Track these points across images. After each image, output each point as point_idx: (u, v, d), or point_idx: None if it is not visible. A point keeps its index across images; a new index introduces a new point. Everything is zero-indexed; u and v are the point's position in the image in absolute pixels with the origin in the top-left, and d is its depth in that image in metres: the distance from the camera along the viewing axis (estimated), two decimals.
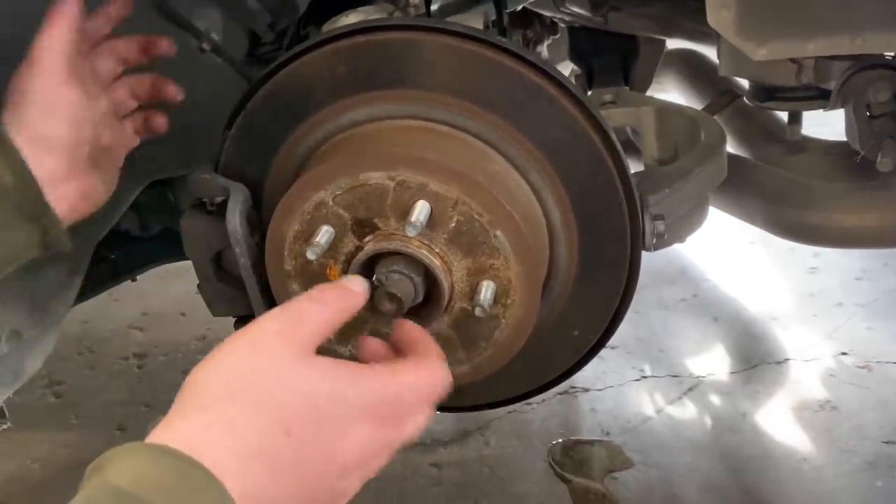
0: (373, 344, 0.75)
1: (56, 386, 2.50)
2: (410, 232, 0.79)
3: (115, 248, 1.40)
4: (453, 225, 0.81)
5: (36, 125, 0.80)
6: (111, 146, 0.92)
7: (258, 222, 0.93)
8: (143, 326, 2.80)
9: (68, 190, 0.83)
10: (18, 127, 0.79)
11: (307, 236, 0.84)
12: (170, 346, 2.65)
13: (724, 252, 2.89)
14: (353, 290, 0.72)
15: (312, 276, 0.88)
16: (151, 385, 2.48)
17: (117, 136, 0.93)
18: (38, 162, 0.79)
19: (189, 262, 1.02)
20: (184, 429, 0.55)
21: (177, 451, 0.52)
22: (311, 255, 0.81)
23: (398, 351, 0.74)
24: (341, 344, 0.92)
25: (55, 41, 0.82)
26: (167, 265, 1.47)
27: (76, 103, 0.83)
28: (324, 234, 0.82)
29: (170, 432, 0.55)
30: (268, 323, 0.63)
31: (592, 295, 0.95)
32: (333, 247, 0.84)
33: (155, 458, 0.52)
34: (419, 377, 0.67)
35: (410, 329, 0.76)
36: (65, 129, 0.82)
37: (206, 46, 1.16)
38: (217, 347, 0.61)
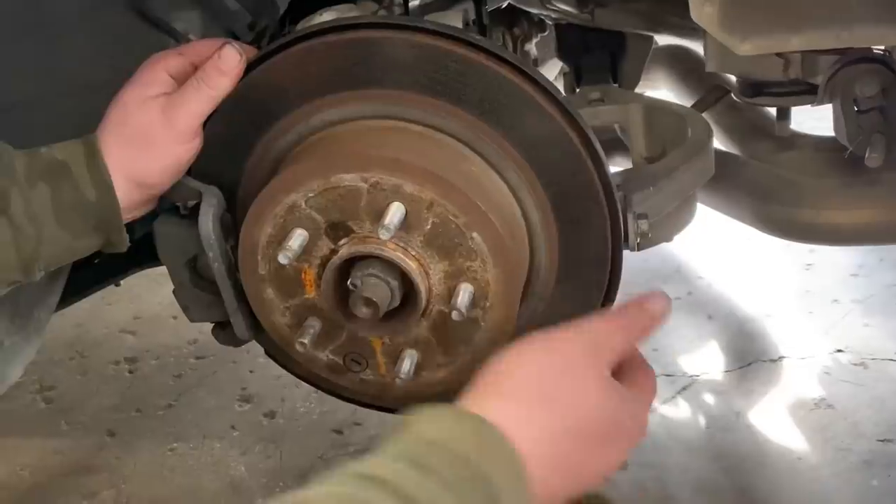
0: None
1: (46, 391, 2.48)
2: (384, 235, 0.77)
3: (99, 253, 1.38)
4: (429, 227, 0.80)
5: (142, 170, 0.85)
6: None
7: (233, 226, 0.91)
8: (135, 330, 2.78)
9: (131, 214, 0.89)
10: (121, 157, 0.84)
11: (280, 240, 0.82)
12: (161, 349, 2.63)
13: (719, 250, 2.87)
14: (655, 313, 0.77)
15: (287, 280, 0.86)
16: (143, 390, 2.46)
17: None
18: (125, 193, 0.84)
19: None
20: (486, 406, 0.63)
21: (477, 416, 0.61)
22: (282, 259, 0.80)
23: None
24: (318, 349, 0.91)
25: (198, 94, 0.86)
26: (158, 269, 1.46)
27: (186, 163, 0.88)
28: (297, 238, 0.81)
29: (472, 405, 0.64)
30: (574, 345, 0.71)
31: (574, 296, 0.93)
32: (307, 250, 0.83)
33: (458, 419, 0.62)
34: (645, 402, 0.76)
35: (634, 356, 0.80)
36: (167, 181, 0.87)
37: None
38: (519, 347, 0.70)
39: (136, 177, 0.85)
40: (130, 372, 2.56)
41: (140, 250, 1.41)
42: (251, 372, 2.44)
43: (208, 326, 1.03)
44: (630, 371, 0.75)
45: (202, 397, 2.37)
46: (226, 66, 0.85)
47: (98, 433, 2.28)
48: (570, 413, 0.66)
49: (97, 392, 2.47)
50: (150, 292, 2.79)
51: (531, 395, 0.66)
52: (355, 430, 2.17)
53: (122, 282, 1.48)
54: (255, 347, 2.65)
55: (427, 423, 0.61)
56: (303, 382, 1.05)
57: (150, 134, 0.84)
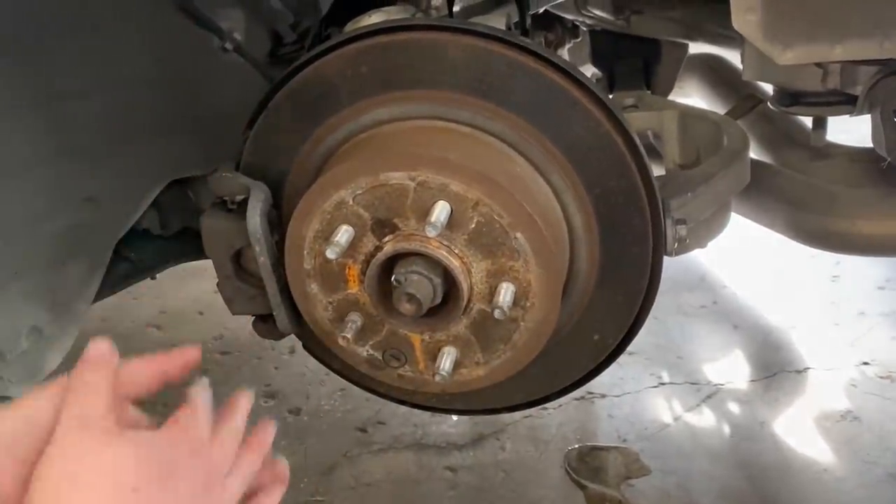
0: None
1: None
2: (430, 232, 0.78)
3: (136, 247, 1.40)
4: (473, 226, 0.81)
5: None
6: None
7: (278, 221, 0.93)
8: (161, 325, 2.81)
9: None
10: None
11: (327, 235, 0.83)
12: (187, 344, 2.65)
13: (745, 259, 2.86)
14: (103, 361, 0.68)
15: (331, 275, 0.88)
16: (168, 384, 2.48)
17: None
18: None
19: (207, 261, 1.02)
20: None
21: None
22: (330, 255, 0.81)
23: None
24: (359, 344, 0.92)
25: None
26: (185, 264, 1.48)
27: None
28: (343, 234, 0.82)
29: None
30: (71, 434, 0.62)
31: (613, 299, 0.94)
32: (353, 246, 0.84)
33: None
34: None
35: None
36: None
37: (228, 46, 1.16)
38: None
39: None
40: None
41: (175, 245, 1.44)
42: (276, 368, 2.46)
43: (233, 322, 1.04)
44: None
45: (227, 393, 2.37)
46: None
47: None
48: None
49: None
50: (176, 288, 2.82)
51: None
52: (379, 429, 2.18)
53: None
54: (279, 344, 2.67)
55: None
56: (327, 380, 1.06)
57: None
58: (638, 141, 0.85)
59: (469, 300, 0.85)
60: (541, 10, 1.59)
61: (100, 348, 0.69)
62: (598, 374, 1.01)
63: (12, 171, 1.04)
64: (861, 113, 1.22)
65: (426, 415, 2.19)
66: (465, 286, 0.83)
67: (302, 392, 2.33)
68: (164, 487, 0.61)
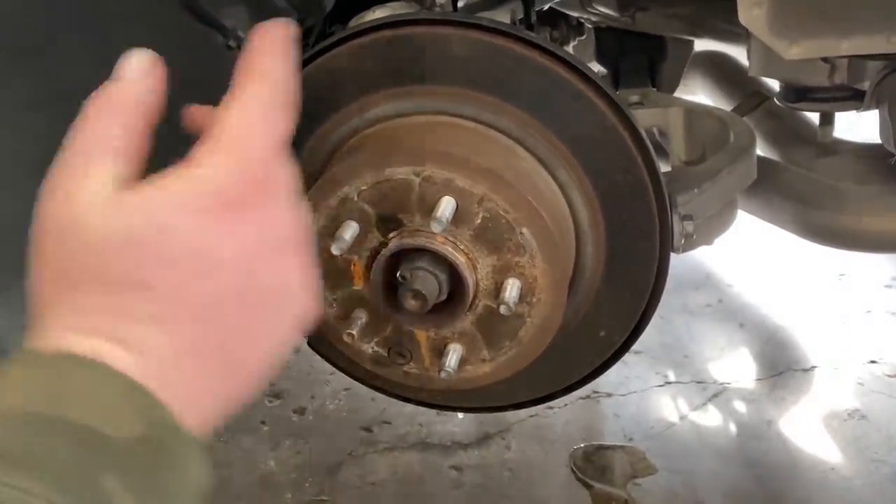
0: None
1: None
2: (435, 228, 0.78)
3: None
4: (479, 221, 0.80)
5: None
6: None
7: None
8: None
9: None
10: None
11: (331, 231, 0.83)
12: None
13: (751, 257, 2.85)
14: (139, 76, 0.55)
15: (336, 272, 0.87)
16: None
17: None
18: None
19: None
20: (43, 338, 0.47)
21: (36, 353, 0.45)
22: (335, 250, 0.81)
23: None
24: (364, 341, 0.91)
25: None
26: None
27: None
28: (348, 230, 0.82)
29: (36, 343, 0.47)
30: (57, 189, 0.51)
31: (619, 295, 0.93)
32: (358, 242, 0.84)
33: (22, 370, 0.45)
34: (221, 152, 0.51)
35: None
36: None
37: (232, 44, 1.16)
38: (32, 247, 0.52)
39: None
40: None
41: None
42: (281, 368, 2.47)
43: None
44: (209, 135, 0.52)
45: None
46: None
47: None
48: (186, 287, 0.47)
49: None
50: None
51: (124, 283, 0.46)
52: (384, 428, 2.18)
53: None
54: None
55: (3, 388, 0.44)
56: (332, 379, 1.06)
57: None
58: (645, 136, 0.85)
59: (475, 296, 0.84)
60: (546, 7, 1.58)
61: (140, 60, 0.55)
62: (605, 372, 1.00)
63: (15, 172, 1.04)
64: (868, 108, 1.22)
65: (431, 414, 2.19)
66: (470, 282, 0.83)
67: (307, 392, 2.33)
68: (190, 275, 0.47)
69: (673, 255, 0.94)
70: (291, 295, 0.52)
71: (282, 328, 0.52)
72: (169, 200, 0.48)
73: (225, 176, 0.50)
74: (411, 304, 0.82)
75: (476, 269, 0.83)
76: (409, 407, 1.22)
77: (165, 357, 0.46)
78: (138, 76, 0.56)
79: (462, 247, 0.82)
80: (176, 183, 0.49)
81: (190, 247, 0.47)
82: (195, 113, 0.64)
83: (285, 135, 0.55)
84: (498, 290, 0.83)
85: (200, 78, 1.19)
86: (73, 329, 0.46)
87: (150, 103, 0.55)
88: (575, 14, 1.71)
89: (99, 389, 0.44)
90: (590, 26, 1.81)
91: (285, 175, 0.55)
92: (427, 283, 0.81)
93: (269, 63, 0.55)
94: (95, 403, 0.43)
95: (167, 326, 0.47)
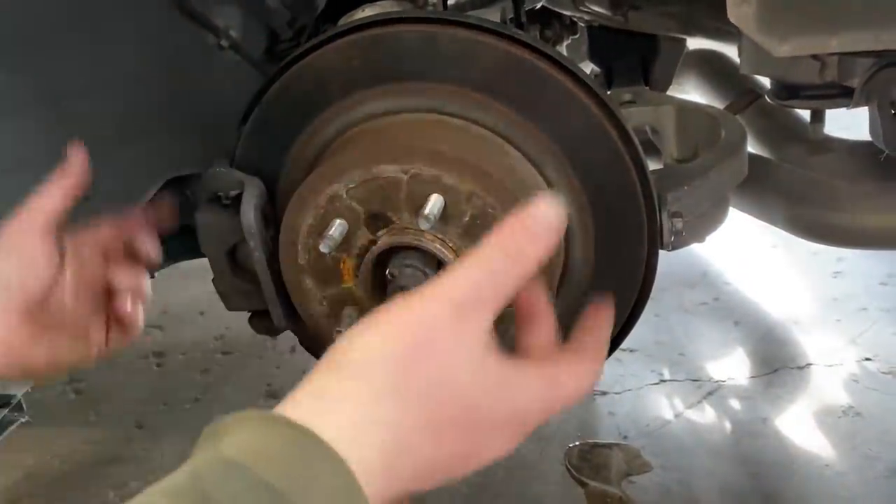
0: (543, 333, 0.65)
1: (76, 383, 2.52)
2: (423, 225, 0.78)
3: None
4: (467, 219, 0.80)
5: None
6: (74, 319, 0.84)
7: (273, 216, 0.93)
8: (162, 325, 2.82)
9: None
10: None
11: (320, 230, 0.83)
12: (188, 345, 2.66)
13: (746, 255, 2.86)
14: (544, 221, 0.57)
15: (325, 270, 0.87)
16: (170, 384, 2.49)
17: (83, 309, 0.85)
18: None
19: (207, 261, 1.02)
20: (315, 405, 0.50)
21: (297, 425, 0.47)
22: (324, 249, 0.81)
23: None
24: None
25: (45, 204, 0.82)
26: (186, 264, 1.48)
27: (42, 256, 0.79)
28: (337, 228, 0.82)
29: (297, 405, 0.50)
30: (435, 310, 0.53)
31: (608, 293, 0.93)
32: (347, 240, 0.84)
33: (268, 428, 0.47)
34: (574, 379, 0.60)
35: (591, 318, 0.67)
36: (24, 273, 0.77)
37: (224, 43, 1.16)
38: (369, 323, 0.55)
39: None
40: (158, 366, 2.60)
41: (174, 243, 1.44)
42: (277, 368, 2.47)
43: (235, 322, 1.04)
44: (577, 351, 0.62)
45: (228, 392, 2.39)
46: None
47: (127, 425, 2.31)
48: (429, 402, 0.51)
49: (126, 385, 2.51)
50: (177, 288, 2.83)
51: (376, 383, 0.50)
52: None
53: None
54: (280, 343, 2.68)
55: (231, 433, 0.47)
56: None
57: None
58: (632, 132, 0.85)
59: None
60: (537, 6, 1.58)
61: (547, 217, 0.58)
62: None
63: (10, 171, 1.04)
64: (858, 105, 1.22)
65: None
66: None
67: None
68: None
69: (668, 253, 0.94)
70: (525, 415, 0.58)
71: (503, 445, 0.58)
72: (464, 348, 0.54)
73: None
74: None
75: None
76: None
77: (395, 468, 0.50)
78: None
79: (451, 244, 0.82)
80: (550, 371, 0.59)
81: (458, 374, 0.53)
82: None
83: None
84: None
85: (193, 77, 1.19)
86: (332, 414, 0.49)
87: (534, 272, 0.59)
88: (568, 13, 1.71)
89: (337, 494, 0.45)
90: (582, 25, 1.81)
91: None
92: (416, 280, 0.81)
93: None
94: (321, 497, 0.44)
95: (402, 444, 0.50)
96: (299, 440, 0.46)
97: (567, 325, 0.97)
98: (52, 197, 0.82)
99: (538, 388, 0.57)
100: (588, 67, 1.94)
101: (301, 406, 0.49)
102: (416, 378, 0.51)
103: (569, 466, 2.01)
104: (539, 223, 0.57)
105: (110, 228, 0.89)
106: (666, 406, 2.22)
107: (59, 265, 0.81)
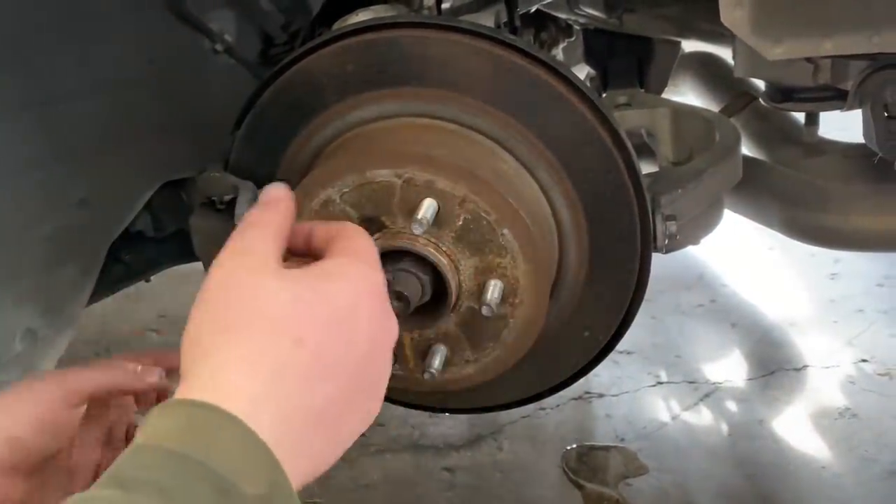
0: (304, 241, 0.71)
1: None
2: (417, 230, 0.78)
3: (129, 249, 1.40)
4: (460, 223, 0.81)
5: None
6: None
7: None
8: (159, 329, 2.81)
9: None
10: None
11: None
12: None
13: (743, 258, 2.86)
14: (278, 201, 0.69)
15: None
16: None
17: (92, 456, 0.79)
18: None
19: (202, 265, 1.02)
20: (195, 385, 0.52)
21: (189, 401, 0.50)
22: None
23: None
24: None
25: (86, 381, 0.74)
26: (182, 268, 1.48)
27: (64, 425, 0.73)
28: None
29: (186, 391, 0.52)
30: (228, 261, 0.60)
31: (602, 296, 0.93)
32: None
33: (169, 412, 0.50)
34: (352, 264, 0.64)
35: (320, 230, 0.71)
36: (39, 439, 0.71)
37: (219, 47, 1.17)
38: (195, 304, 0.58)
39: None
40: None
41: (170, 247, 1.44)
42: None
43: None
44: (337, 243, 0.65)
45: None
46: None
47: None
48: (265, 323, 0.54)
49: None
50: (174, 291, 2.82)
51: (215, 338, 0.54)
52: (377, 431, 2.18)
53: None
54: None
55: (144, 426, 0.50)
56: None
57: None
58: (625, 136, 0.85)
59: (458, 298, 0.85)
60: (532, 10, 1.59)
61: (277, 191, 0.70)
62: (590, 371, 1.00)
63: (4, 175, 1.04)
64: (851, 108, 1.22)
65: (423, 416, 2.19)
66: (453, 283, 0.83)
67: None
68: (334, 341, 0.56)
69: (664, 256, 0.95)
70: (379, 388, 0.61)
71: (366, 416, 0.60)
72: (328, 277, 0.59)
73: (363, 273, 0.62)
74: (394, 305, 0.82)
75: (458, 270, 0.83)
76: (401, 409, 1.22)
77: (285, 417, 0.52)
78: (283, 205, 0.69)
79: (444, 248, 0.82)
80: (333, 267, 0.61)
81: (338, 312, 0.57)
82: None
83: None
84: (480, 291, 0.83)
85: (187, 80, 1.19)
86: (220, 385, 0.51)
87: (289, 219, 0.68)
88: (563, 16, 1.72)
89: (236, 444, 0.49)
90: (578, 28, 1.82)
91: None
92: (409, 284, 0.82)
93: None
94: (235, 460, 0.48)
95: (306, 384, 0.53)
96: (196, 412, 0.50)
97: (559, 328, 0.98)
98: (96, 381, 0.75)
99: (329, 280, 0.60)
100: (583, 70, 1.94)
101: (193, 388, 0.52)
102: (242, 315, 0.55)
103: (566, 469, 2.02)
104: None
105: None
106: (662, 408, 2.22)
107: (76, 431, 0.75)
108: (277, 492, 0.49)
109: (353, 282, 0.61)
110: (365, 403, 0.59)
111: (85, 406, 0.75)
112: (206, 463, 0.46)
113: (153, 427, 0.49)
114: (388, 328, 0.64)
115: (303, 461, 0.53)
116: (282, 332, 0.54)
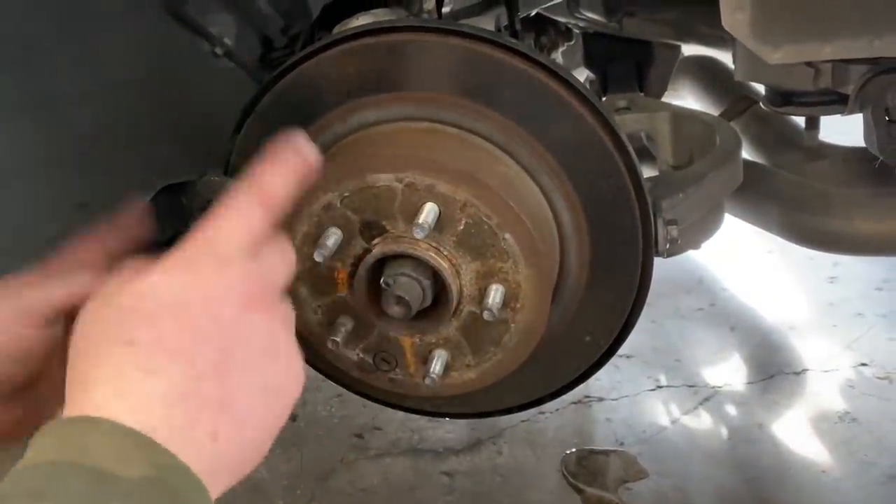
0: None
1: None
2: (418, 234, 0.78)
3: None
4: (462, 227, 0.80)
5: None
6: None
7: None
8: None
9: None
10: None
11: (315, 238, 0.83)
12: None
13: (742, 261, 2.86)
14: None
15: (320, 279, 0.87)
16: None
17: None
18: None
19: None
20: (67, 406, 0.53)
21: (57, 421, 0.51)
22: (318, 258, 0.81)
23: None
24: (349, 348, 0.91)
25: (54, 292, 0.68)
26: None
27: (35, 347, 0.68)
28: (331, 237, 0.82)
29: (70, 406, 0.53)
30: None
31: (604, 300, 0.93)
32: (341, 249, 0.84)
33: (41, 433, 0.51)
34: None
35: None
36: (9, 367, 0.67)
37: (218, 51, 1.16)
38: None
39: None
40: None
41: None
42: None
43: None
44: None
45: None
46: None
47: None
48: (197, 347, 0.55)
49: None
50: None
51: (114, 342, 0.54)
52: (376, 435, 2.18)
53: None
54: None
55: (26, 453, 0.50)
56: (324, 386, 1.06)
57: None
58: (626, 140, 0.85)
59: (459, 302, 0.84)
60: (532, 13, 1.59)
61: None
62: (591, 376, 1.00)
63: (3, 178, 1.04)
64: (852, 112, 1.22)
65: (423, 420, 2.19)
66: (454, 288, 0.83)
67: (298, 398, 2.32)
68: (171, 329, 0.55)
69: (664, 259, 0.94)
70: (267, 359, 0.61)
71: (271, 393, 0.61)
72: (145, 275, 0.58)
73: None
74: (395, 310, 0.82)
75: (460, 274, 0.83)
76: (401, 413, 1.21)
77: (159, 404, 0.52)
78: None
79: (445, 253, 0.82)
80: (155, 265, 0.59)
81: (163, 303, 0.56)
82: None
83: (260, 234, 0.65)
84: (482, 295, 0.83)
85: (186, 84, 1.19)
86: (89, 396, 0.52)
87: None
88: (563, 20, 1.72)
89: (106, 439, 0.50)
90: (578, 32, 1.81)
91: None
92: (411, 289, 0.81)
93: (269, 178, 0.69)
94: (106, 451, 0.49)
95: (155, 376, 0.53)
96: (63, 426, 0.51)
97: (561, 332, 0.98)
98: (62, 287, 0.68)
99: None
100: (583, 74, 1.94)
101: (74, 400, 0.53)
102: (85, 349, 0.55)
103: (565, 473, 2.01)
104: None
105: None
106: (662, 412, 2.22)
107: (52, 350, 0.69)
108: (168, 472, 0.49)
109: (172, 274, 0.58)
110: (253, 377, 0.58)
111: (61, 325, 0.67)
112: (79, 462, 0.48)
113: (31, 451, 0.50)
114: (238, 293, 0.60)
115: (202, 440, 0.53)
116: (113, 339, 0.54)
